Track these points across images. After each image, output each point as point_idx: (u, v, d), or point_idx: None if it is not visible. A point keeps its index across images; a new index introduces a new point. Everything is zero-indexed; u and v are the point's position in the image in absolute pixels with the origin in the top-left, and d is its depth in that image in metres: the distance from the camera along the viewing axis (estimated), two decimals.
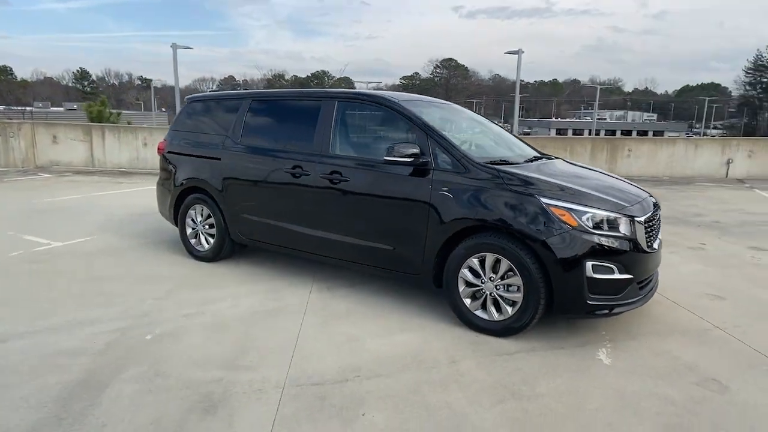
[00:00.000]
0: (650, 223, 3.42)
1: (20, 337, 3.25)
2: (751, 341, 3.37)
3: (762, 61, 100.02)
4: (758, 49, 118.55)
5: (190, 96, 5.39)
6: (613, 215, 3.19)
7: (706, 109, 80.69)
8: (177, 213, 5.13)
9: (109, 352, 3.08)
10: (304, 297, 4.06)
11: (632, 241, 3.20)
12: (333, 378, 2.82)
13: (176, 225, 5.22)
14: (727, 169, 12.83)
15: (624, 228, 3.19)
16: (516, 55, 20.57)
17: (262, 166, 4.41)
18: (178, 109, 15.47)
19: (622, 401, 2.65)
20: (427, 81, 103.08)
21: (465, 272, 3.43)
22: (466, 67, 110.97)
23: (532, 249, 3.16)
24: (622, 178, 4.10)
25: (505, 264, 3.27)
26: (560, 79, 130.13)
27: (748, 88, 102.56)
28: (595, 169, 4.29)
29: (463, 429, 2.39)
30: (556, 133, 71.63)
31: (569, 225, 3.11)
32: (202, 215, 4.93)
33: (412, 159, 3.53)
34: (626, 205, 3.32)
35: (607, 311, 3.20)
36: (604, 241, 3.12)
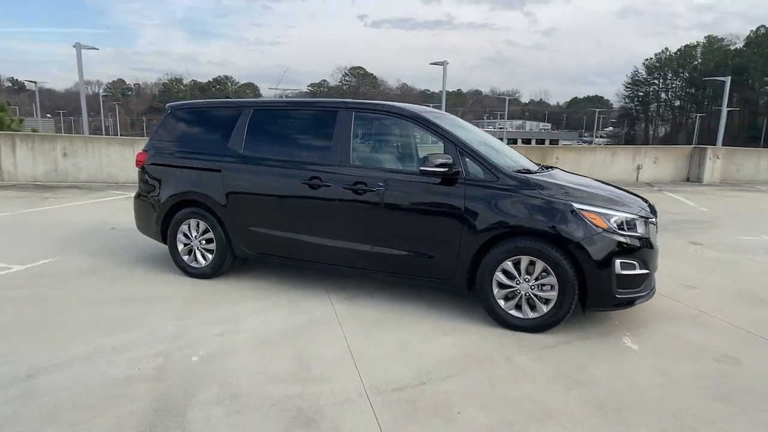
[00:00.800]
0: (654, 224, 3.89)
1: (52, 371, 2.95)
2: (733, 321, 3.93)
3: (638, 77, 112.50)
4: (635, 66, 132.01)
5: (172, 104, 5.14)
6: (632, 217, 3.59)
7: (595, 120, 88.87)
8: (165, 229, 4.86)
9: (166, 377, 2.91)
10: (328, 307, 4.06)
11: (647, 239, 3.62)
12: (410, 382, 2.90)
13: (163, 241, 4.94)
14: (637, 174, 14.42)
15: (641, 228, 3.60)
16: (438, 65, 21.52)
17: (272, 177, 4.34)
18: (67, 114, 14.28)
19: (667, 380, 3.00)
20: (335, 89, 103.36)
21: (499, 275, 3.66)
22: (375, 76, 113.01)
23: (568, 250, 3.46)
24: (614, 185, 4.57)
25: (540, 265, 3.54)
26: (464, 90, 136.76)
27: (627, 100, 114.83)
28: (587, 177, 4.73)
29: (555, 415, 2.60)
30: None
31: (600, 227, 3.46)
32: (197, 230, 4.71)
33: (446, 169, 3.71)
34: (640, 208, 3.75)
35: (628, 304, 3.59)
36: (627, 240, 3.50)
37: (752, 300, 4.47)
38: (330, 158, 4.17)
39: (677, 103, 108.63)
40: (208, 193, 4.57)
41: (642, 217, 3.65)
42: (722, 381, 3.00)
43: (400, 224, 3.94)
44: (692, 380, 3.00)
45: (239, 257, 4.67)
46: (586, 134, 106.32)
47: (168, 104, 5.21)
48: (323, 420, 2.51)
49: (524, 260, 3.59)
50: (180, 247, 4.80)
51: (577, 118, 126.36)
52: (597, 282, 3.45)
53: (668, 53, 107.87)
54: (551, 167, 4.72)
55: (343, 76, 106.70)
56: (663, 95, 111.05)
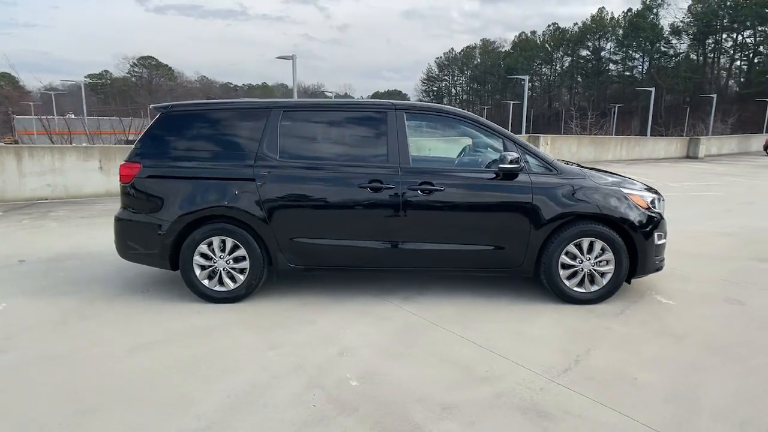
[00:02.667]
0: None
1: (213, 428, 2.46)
2: (702, 274, 5.06)
3: (432, 74, 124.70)
4: (429, 64, 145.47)
5: (163, 105, 4.36)
6: (655, 197, 4.37)
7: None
8: (175, 252, 4.17)
9: (352, 407, 2.66)
10: (401, 311, 4.04)
11: (662, 215, 4.45)
12: (569, 362, 3.18)
13: (171, 267, 4.23)
14: None
15: (659, 206, 4.40)
16: (286, 59, 21.14)
17: (323, 183, 4.09)
18: None
19: (709, 318, 3.84)
20: (122, 80, 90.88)
21: (563, 257, 4.12)
22: (170, 67, 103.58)
23: (623, 229, 4.08)
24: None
25: (599, 244, 4.10)
26: (269, 83, 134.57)
27: (424, 95, 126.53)
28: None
29: (701, 360, 3.15)
30: None
31: (642, 207, 4.15)
32: (222, 249, 4.16)
33: (517, 165, 4.00)
34: (655, 189, 4.56)
35: (659, 269, 4.37)
36: (657, 216, 4.26)
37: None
38: (388, 160, 4.10)
39: (464, 97, 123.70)
40: (239, 205, 4.06)
41: (659, 196, 4.46)
42: (740, 316, 3.94)
43: (470, 220, 4.11)
44: (721, 316, 3.90)
45: (276, 273, 4.27)
46: None
47: (157, 105, 4.41)
48: (550, 408, 2.65)
49: (585, 242, 4.10)
50: (198, 271, 4.16)
51: None
52: (644, 254, 4.14)
53: (454, 53, 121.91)
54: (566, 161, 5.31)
55: (131, 66, 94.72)
56: (453, 90, 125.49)
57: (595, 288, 4.17)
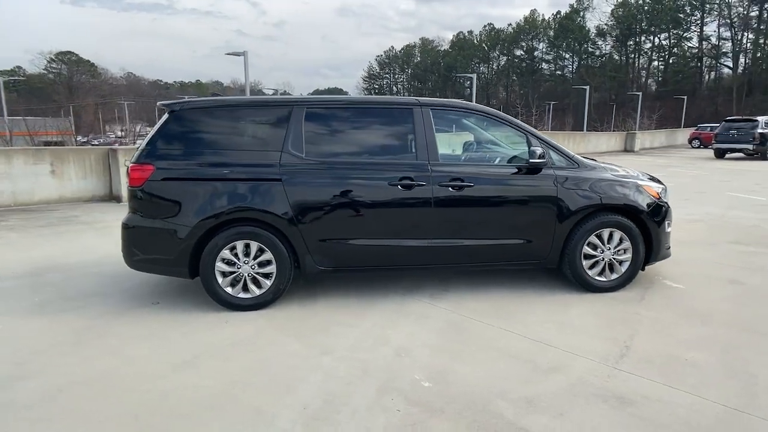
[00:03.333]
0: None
1: None
2: (694, 259, 5.38)
3: (373, 72, 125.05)
4: (369, 62, 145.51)
5: (173, 103, 4.08)
6: (662, 187, 4.59)
7: None
8: (195, 259, 3.93)
9: (439, 408, 2.62)
10: (437, 309, 4.01)
11: (668, 204, 4.68)
12: (621, 350, 3.28)
13: (190, 276, 3.98)
14: None
15: (665, 196, 4.63)
16: (237, 56, 20.46)
17: (352, 181, 3.99)
18: None
19: (722, 299, 4.09)
20: (38, 77, 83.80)
21: (586, 248, 4.25)
22: (92, 63, 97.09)
23: (639, 218, 4.26)
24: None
25: (617, 234, 4.26)
26: (203, 81, 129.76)
27: (365, 92, 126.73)
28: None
29: (718, 330, 3.35)
30: None
31: (655, 197, 4.36)
32: (246, 253, 3.96)
33: (543, 160, 4.08)
34: (659, 180, 4.79)
35: (668, 256, 4.60)
36: (665, 205, 4.48)
37: None
38: (417, 157, 4.06)
39: (406, 94, 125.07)
40: (265, 207, 3.88)
41: (664, 186, 4.70)
42: (745, 291, 4.24)
43: (499, 215, 4.15)
44: (734, 294, 4.16)
45: (303, 276, 4.12)
46: None
47: (166, 102, 4.12)
48: (626, 394, 2.72)
49: (605, 232, 4.25)
50: (220, 279, 3.94)
51: None
52: (658, 241, 4.35)
53: (394, 51, 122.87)
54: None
55: (48, 62, 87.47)
56: (394, 88, 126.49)
57: (614, 276, 4.33)
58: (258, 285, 4.00)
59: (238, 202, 3.88)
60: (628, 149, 26.18)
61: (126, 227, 4.01)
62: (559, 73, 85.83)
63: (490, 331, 3.60)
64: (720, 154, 19.73)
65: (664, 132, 33.73)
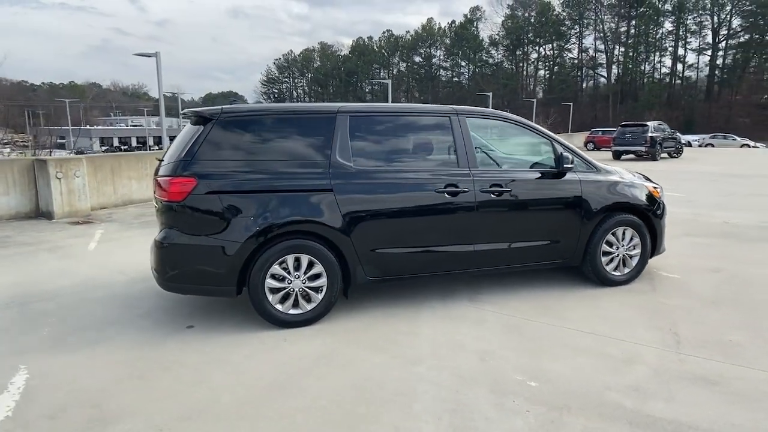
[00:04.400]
0: None
1: None
2: (667, 251, 6.04)
3: (272, 76, 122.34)
4: (267, 65, 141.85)
5: (211, 111, 3.79)
6: (660, 187, 5.11)
7: None
8: (244, 276, 3.70)
9: (560, 404, 2.74)
10: (486, 311, 4.13)
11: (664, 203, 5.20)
12: (676, 335, 3.63)
13: (237, 293, 3.74)
14: None
15: (662, 195, 5.14)
16: (147, 57, 19.06)
17: (401, 190, 3.99)
18: None
19: (717, 285, 4.67)
20: None
21: (604, 246, 4.63)
22: None
23: (648, 217, 4.72)
24: None
25: (629, 232, 4.69)
26: (78, 82, 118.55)
27: (263, 97, 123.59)
28: None
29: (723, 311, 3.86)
30: (101, 144, 64.77)
31: (657, 197, 4.85)
32: (298, 268, 3.80)
33: (572, 165, 4.38)
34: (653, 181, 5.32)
35: (664, 250, 5.12)
36: (663, 204, 5.00)
37: None
38: (458, 164, 4.16)
39: (307, 99, 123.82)
40: (319, 219, 3.76)
41: (661, 186, 5.22)
42: (729, 277, 4.88)
43: (534, 218, 4.38)
44: (722, 280, 4.78)
45: (354, 287, 4.03)
46: None
47: (197, 110, 3.81)
48: (708, 375, 3.05)
49: (620, 230, 4.66)
50: (270, 296, 3.74)
51: None
52: (660, 236, 4.85)
53: (293, 55, 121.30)
54: None
55: None
56: (294, 92, 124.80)
57: (627, 270, 4.75)
58: (308, 300, 3.86)
59: (292, 215, 3.71)
60: None
61: (161, 245, 3.66)
62: (456, 79, 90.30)
63: (546, 328, 3.79)
64: (617, 156, 22.05)
65: (563, 136, 36.88)
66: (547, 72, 79.57)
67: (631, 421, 2.60)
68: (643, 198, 4.72)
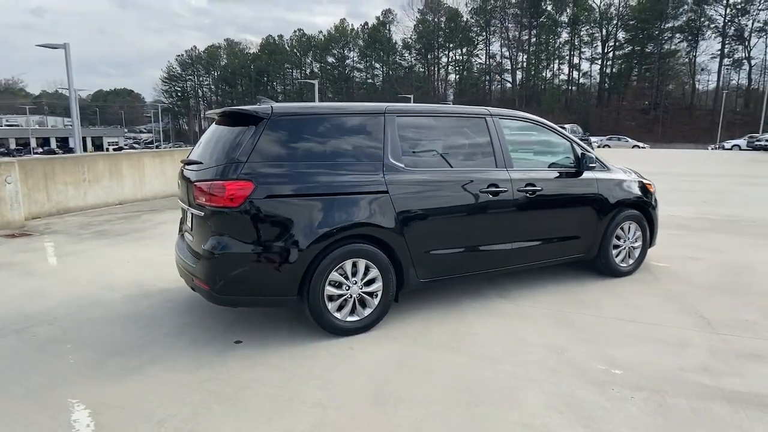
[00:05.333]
0: None
1: None
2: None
3: (174, 73, 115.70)
4: (169, 61, 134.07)
5: (264, 109, 3.54)
6: (653, 183, 5.56)
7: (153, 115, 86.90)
8: (305, 284, 3.53)
9: (673, 392, 2.93)
10: (525, 308, 4.26)
11: None
12: (703, 317, 3.99)
13: (297, 303, 3.55)
14: None
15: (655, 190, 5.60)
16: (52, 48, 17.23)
17: (449, 190, 4.01)
18: None
19: (704, 272, 5.21)
20: None
21: (614, 240, 4.97)
22: None
23: (648, 211, 5.14)
24: None
25: (633, 226, 5.08)
26: None
27: (166, 95, 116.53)
28: None
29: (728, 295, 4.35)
30: None
31: (652, 192, 5.29)
32: (355, 273, 3.69)
33: (596, 164, 4.66)
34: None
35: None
36: (656, 199, 5.46)
37: None
38: (496, 164, 4.26)
39: (214, 98, 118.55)
40: (376, 221, 3.68)
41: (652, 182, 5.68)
42: (709, 264, 5.46)
43: (562, 215, 4.60)
44: (706, 267, 5.33)
45: (407, 290, 3.97)
46: (125, 129, 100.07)
47: (249, 110, 3.55)
48: (755, 351, 3.40)
49: (626, 224, 5.03)
50: (329, 304, 3.60)
51: (113, 113, 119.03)
52: (655, 230, 5.30)
53: (197, 51, 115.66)
54: None
55: None
56: (200, 91, 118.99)
57: (631, 262, 5.14)
58: (363, 306, 3.75)
59: (353, 218, 3.59)
60: None
61: (212, 255, 3.37)
62: (371, 81, 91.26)
63: (590, 319, 4.00)
64: None
65: None
66: (458, 76, 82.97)
67: (724, 397, 2.84)
68: (644, 194, 5.13)
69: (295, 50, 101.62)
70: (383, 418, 2.66)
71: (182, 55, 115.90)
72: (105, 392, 2.92)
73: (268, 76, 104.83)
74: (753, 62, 62.20)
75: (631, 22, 66.45)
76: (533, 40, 71.84)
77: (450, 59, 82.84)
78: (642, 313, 4.10)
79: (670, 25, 64.49)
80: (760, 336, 3.66)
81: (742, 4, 58.74)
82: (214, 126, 4.01)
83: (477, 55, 79.11)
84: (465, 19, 76.29)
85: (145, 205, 10.13)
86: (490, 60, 77.61)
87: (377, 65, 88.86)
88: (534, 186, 4.37)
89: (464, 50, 79.12)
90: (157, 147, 74.87)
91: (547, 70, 74.64)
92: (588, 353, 3.40)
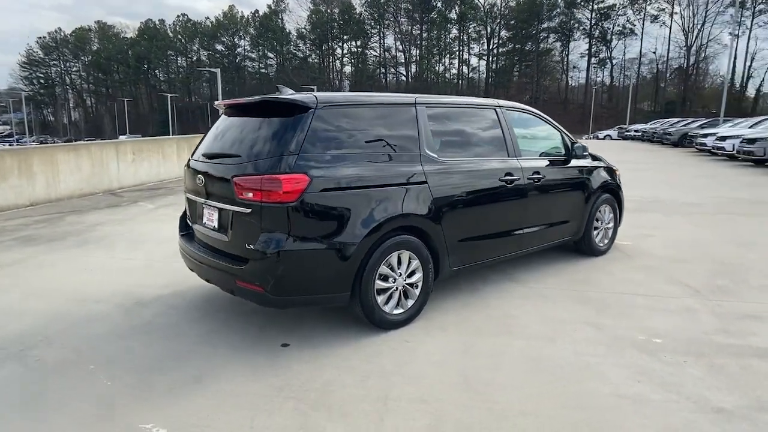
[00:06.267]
0: None
1: None
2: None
3: (35, 57, 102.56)
4: (28, 44, 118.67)
5: (308, 99, 3.32)
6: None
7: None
8: (358, 280, 3.42)
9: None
10: (536, 290, 4.49)
11: None
12: (694, 287, 4.50)
13: (350, 299, 3.42)
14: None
15: None
16: None
17: (475, 179, 4.10)
18: None
19: (667, 247, 5.88)
20: None
21: (595, 222, 5.41)
22: None
23: (618, 194, 5.65)
24: None
25: (609, 208, 5.56)
26: None
27: (25, 82, 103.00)
28: None
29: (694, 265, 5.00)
30: None
31: (618, 176, 5.82)
32: (399, 265, 3.65)
33: (587, 153, 5.02)
34: None
35: None
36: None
37: None
38: (508, 153, 4.43)
39: (85, 86, 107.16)
40: (418, 212, 3.66)
41: None
42: (665, 240, 6.17)
43: (558, 201, 4.89)
44: (666, 243, 6.02)
45: (438, 280, 3.98)
46: None
47: (292, 99, 3.31)
48: (756, 313, 3.92)
49: (602, 207, 5.49)
50: (378, 297, 3.53)
51: None
52: (623, 208, 5.84)
53: (63, 34, 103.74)
54: None
55: None
56: (68, 78, 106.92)
57: (606, 242, 5.63)
58: (406, 297, 3.72)
59: (400, 209, 3.53)
60: None
61: (263, 255, 3.12)
62: (264, 71, 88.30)
63: (602, 295, 4.31)
64: None
65: None
66: (353, 68, 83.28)
67: (755, 354, 3.26)
68: (612, 177, 5.63)
69: (179, 36, 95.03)
70: (490, 405, 2.68)
71: (44, 37, 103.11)
72: (177, 413, 2.60)
73: (149, 63, 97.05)
74: (614, 61, 70.17)
75: (512, 22, 71.41)
76: (425, 35, 74.34)
77: (345, 51, 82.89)
78: (639, 287, 4.52)
79: (545, 25, 70.49)
80: (745, 299, 4.22)
81: (605, 10, 65.96)
82: (235, 118, 3.70)
83: (372, 48, 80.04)
84: (359, 12, 76.68)
85: (64, 206, 8.95)
86: (385, 53, 78.99)
87: (271, 55, 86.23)
88: (539, 174, 4.61)
89: (359, 42, 79.59)
90: (18, 142, 65.93)
91: (440, 64, 77.78)
92: (624, 326, 3.68)
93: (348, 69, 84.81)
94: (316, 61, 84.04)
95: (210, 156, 3.62)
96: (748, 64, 58.43)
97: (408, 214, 3.58)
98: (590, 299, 4.23)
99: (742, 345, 3.38)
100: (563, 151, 5.06)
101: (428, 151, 3.82)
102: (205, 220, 3.69)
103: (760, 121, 18.84)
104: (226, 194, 3.35)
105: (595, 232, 5.43)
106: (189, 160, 3.97)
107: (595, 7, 66.52)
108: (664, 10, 63.27)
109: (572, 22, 69.49)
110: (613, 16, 66.44)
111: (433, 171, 3.78)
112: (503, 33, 73.40)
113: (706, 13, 60.20)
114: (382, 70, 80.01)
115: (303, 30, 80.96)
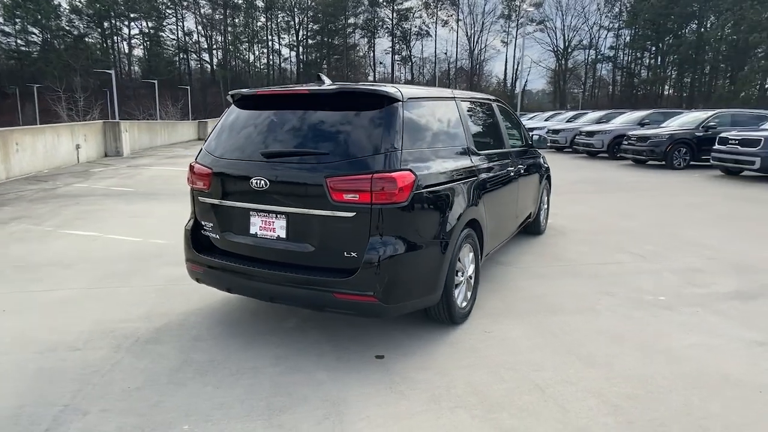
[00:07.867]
0: None
1: None
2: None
3: None
4: None
5: (392, 91, 3.06)
6: None
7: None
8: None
9: None
10: (527, 272, 4.94)
11: None
12: (648, 252, 5.44)
13: (437, 300, 3.33)
14: (78, 155, 13.38)
15: None
16: None
17: (498, 171, 4.32)
18: None
19: (582, 226, 6.94)
20: None
21: (542, 206, 6.11)
22: None
23: (550, 179, 6.44)
24: None
25: (546, 192, 6.32)
26: None
27: None
28: None
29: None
30: None
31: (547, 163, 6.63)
32: (468, 258, 3.70)
33: (548, 144, 5.62)
34: None
35: None
36: None
37: None
38: (504, 145, 4.76)
39: None
40: (476, 204, 3.74)
41: None
42: (586, 223, 7.27)
43: (529, 186, 5.38)
44: (580, 221, 7.11)
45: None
46: None
47: (380, 90, 3.03)
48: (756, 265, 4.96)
49: (543, 191, 6.22)
50: (455, 293, 3.52)
51: None
52: (551, 191, 6.69)
53: None
54: None
55: None
56: None
57: (544, 222, 6.39)
58: (467, 289, 3.77)
59: (471, 203, 3.57)
60: (201, 137, 27.32)
61: (371, 262, 2.85)
62: (26, 49, 73.29)
63: (580, 268, 4.96)
64: None
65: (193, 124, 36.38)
66: (146, 51, 74.74)
67: (733, 297, 4.16)
68: (546, 164, 6.40)
69: None
70: (623, 381, 2.92)
71: None
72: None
73: None
74: (414, 59, 76.66)
75: (319, 15, 72.47)
76: (229, 20, 70.71)
77: (135, 31, 73.86)
78: (604, 257, 5.31)
79: (352, 21, 73.26)
80: (679, 259, 5.27)
81: (404, 12, 71.54)
82: (287, 111, 3.23)
83: (168, 30, 72.93)
84: None
85: None
86: (186, 37, 72.77)
87: (35, 30, 71.91)
88: (521, 162, 5.04)
89: (151, 23, 71.74)
90: None
91: (250, 53, 74.93)
92: (630, 290, 4.31)
93: (138, 52, 75.88)
94: (97, 40, 72.99)
95: (271, 155, 3.10)
96: (515, 67, 69.60)
97: (473, 207, 3.63)
98: (581, 273, 4.82)
99: (717, 293, 4.28)
100: (525, 141, 5.57)
101: (471, 145, 3.89)
102: (256, 229, 3.16)
103: (552, 115, 22.92)
104: (306, 197, 2.95)
105: (541, 215, 6.13)
106: (213, 162, 3.30)
107: (396, 7, 71.61)
108: (451, 15, 71.38)
109: (376, 20, 73.61)
110: (411, 17, 72.46)
111: (477, 164, 3.87)
112: (311, 26, 74.06)
113: (483, 22, 69.93)
114: (182, 55, 73.54)
115: (78, 3, 69.42)
